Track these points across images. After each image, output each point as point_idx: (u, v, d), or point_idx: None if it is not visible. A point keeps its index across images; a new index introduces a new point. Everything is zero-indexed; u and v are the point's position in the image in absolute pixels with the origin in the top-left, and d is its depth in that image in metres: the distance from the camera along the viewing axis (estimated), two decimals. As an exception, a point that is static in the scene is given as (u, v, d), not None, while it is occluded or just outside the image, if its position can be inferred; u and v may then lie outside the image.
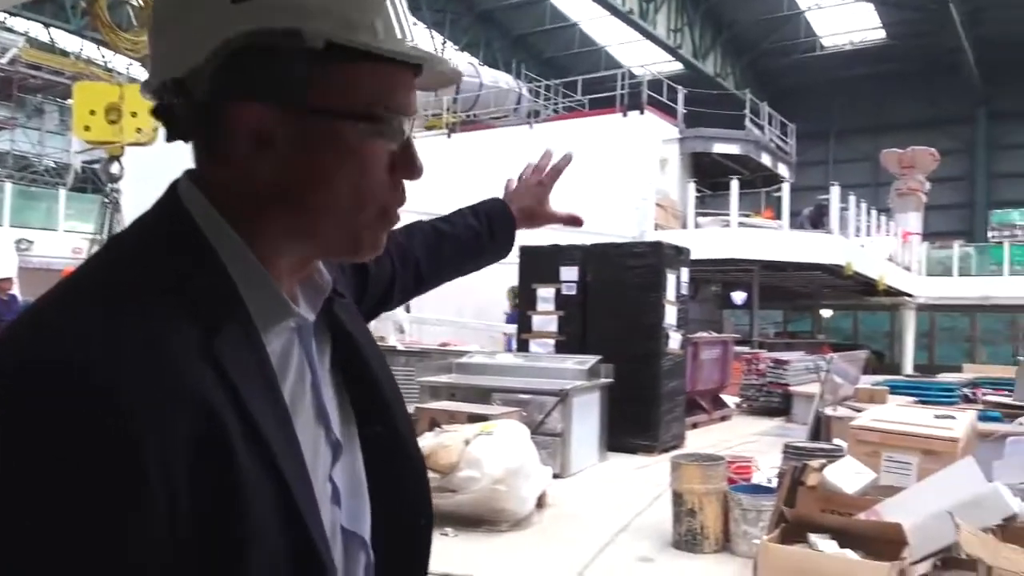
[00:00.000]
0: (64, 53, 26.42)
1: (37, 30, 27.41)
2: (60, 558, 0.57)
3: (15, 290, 9.89)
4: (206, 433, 0.63)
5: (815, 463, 3.67)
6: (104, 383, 0.59)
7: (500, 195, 1.45)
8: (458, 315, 14.90)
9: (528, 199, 1.43)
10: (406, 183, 0.79)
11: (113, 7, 11.83)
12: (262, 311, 0.73)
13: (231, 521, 0.64)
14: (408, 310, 15.25)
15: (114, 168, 11.60)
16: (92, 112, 11.00)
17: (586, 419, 7.59)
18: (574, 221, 1.45)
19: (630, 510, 6.10)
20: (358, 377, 0.87)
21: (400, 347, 9.30)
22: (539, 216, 1.44)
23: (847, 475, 3.58)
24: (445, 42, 31.61)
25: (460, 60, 29.46)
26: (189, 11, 0.72)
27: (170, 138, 0.76)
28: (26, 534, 0.57)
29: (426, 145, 19.57)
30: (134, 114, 11.08)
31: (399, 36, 0.75)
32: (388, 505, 0.86)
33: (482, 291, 13.30)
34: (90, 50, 27.17)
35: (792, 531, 3.48)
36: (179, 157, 0.78)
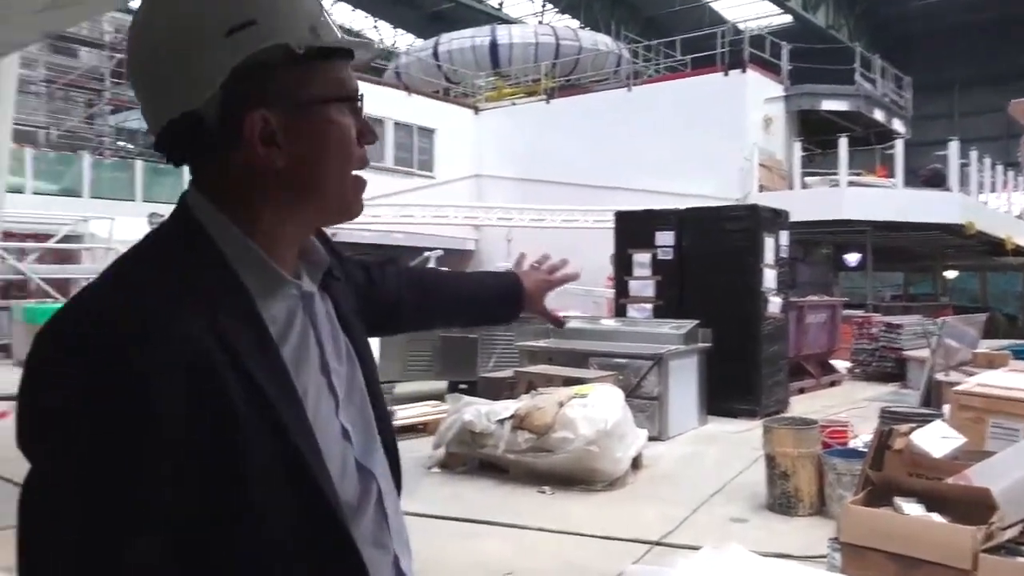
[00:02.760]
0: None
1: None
2: (93, 453, 0.74)
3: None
4: (205, 382, 0.78)
5: (903, 427, 3.64)
6: (119, 346, 0.75)
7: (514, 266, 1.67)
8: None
9: (531, 286, 1.57)
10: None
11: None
12: (262, 289, 0.89)
13: (232, 455, 0.79)
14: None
15: None
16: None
17: (684, 383, 7.64)
18: (557, 322, 1.75)
19: (727, 473, 6.15)
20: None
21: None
22: (534, 305, 1.58)
23: (935, 439, 3.54)
24: (544, 5, 31.42)
25: (559, 24, 29.28)
26: (188, 56, 0.85)
27: (176, 164, 0.92)
28: (71, 442, 0.74)
29: (525, 111, 19.70)
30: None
31: (335, 33, 0.93)
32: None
33: (587, 256, 13.40)
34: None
35: (878, 494, 3.49)
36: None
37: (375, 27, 33.89)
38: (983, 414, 4.78)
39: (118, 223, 13.90)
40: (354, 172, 0.96)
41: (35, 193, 15.64)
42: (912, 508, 3.31)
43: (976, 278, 25.40)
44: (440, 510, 5.16)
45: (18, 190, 16.22)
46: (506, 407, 6.07)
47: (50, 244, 14.33)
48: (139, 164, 17.98)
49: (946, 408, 5.59)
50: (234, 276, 0.87)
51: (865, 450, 5.16)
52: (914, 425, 3.74)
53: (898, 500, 3.38)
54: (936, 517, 3.24)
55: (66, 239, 14.54)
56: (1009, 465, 3.31)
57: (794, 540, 4.63)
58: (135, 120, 26.82)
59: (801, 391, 9.95)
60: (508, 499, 5.48)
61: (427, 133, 18.46)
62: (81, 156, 17.67)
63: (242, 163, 0.88)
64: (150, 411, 0.74)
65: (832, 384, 11.04)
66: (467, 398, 6.53)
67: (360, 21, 33.48)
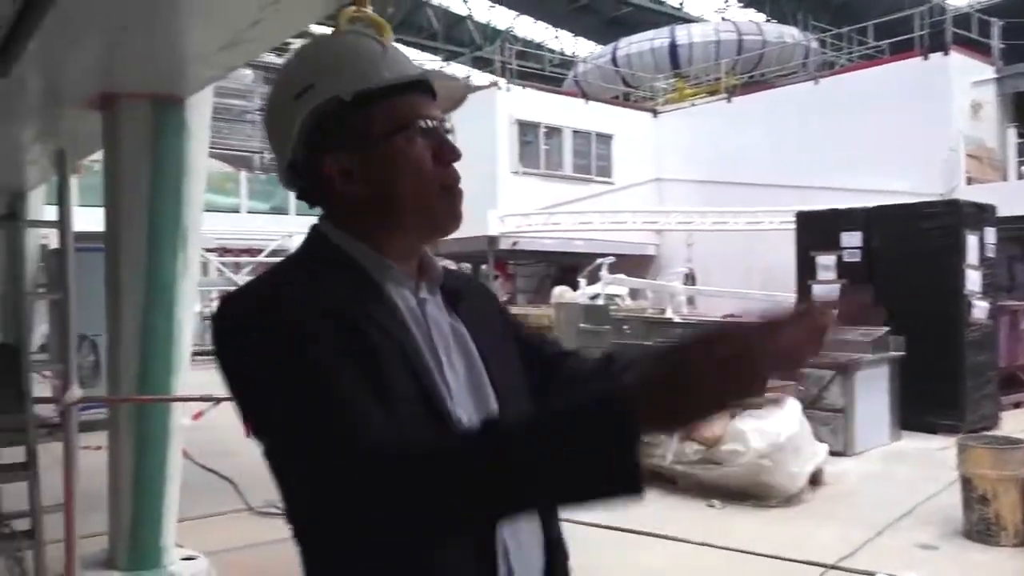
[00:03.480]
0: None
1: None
2: (285, 364, 0.92)
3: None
4: (349, 330, 0.95)
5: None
6: (274, 306, 0.96)
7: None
8: (744, 285, 14.51)
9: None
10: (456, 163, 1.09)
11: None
12: (386, 278, 1.06)
13: (373, 375, 0.94)
14: (690, 281, 15.16)
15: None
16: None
17: (872, 394, 7.11)
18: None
19: (918, 493, 5.66)
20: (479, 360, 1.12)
21: (676, 319, 9.31)
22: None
23: None
24: (727, 1, 30.48)
25: (742, 17, 28.27)
26: (280, 120, 1.08)
27: (311, 207, 1.11)
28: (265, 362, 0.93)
29: (705, 112, 19.14)
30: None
31: (404, 71, 1.07)
32: None
33: (770, 258, 12.81)
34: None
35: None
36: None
37: (556, 37, 34.35)
38: None
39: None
40: (444, 187, 1.07)
41: (249, 212, 17.19)
42: None
43: None
44: (601, 518, 5.10)
45: (234, 210, 17.96)
46: (673, 417, 5.91)
47: (260, 258, 15.70)
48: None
49: None
50: (364, 271, 1.05)
51: (1082, 475, 4.57)
52: None
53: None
54: None
55: (273, 253, 15.87)
56: None
57: (991, 574, 4.17)
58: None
59: (1017, 406, 8.96)
60: (674, 511, 5.33)
61: (605, 139, 18.39)
62: (287, 177, 19.22)
63: (337, 196, 1.06)
64: (306, 331, 0.93)
65: (1057, 398, 9.85)
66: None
67: (541, 32, 34.06)
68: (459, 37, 32.73)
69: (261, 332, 0.95)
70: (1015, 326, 9.34)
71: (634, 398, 0.79)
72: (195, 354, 4.01)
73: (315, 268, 1.03)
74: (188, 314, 3.90)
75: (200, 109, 3.93)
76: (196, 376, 3.84)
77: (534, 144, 17.40)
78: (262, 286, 1.03)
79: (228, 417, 3.42)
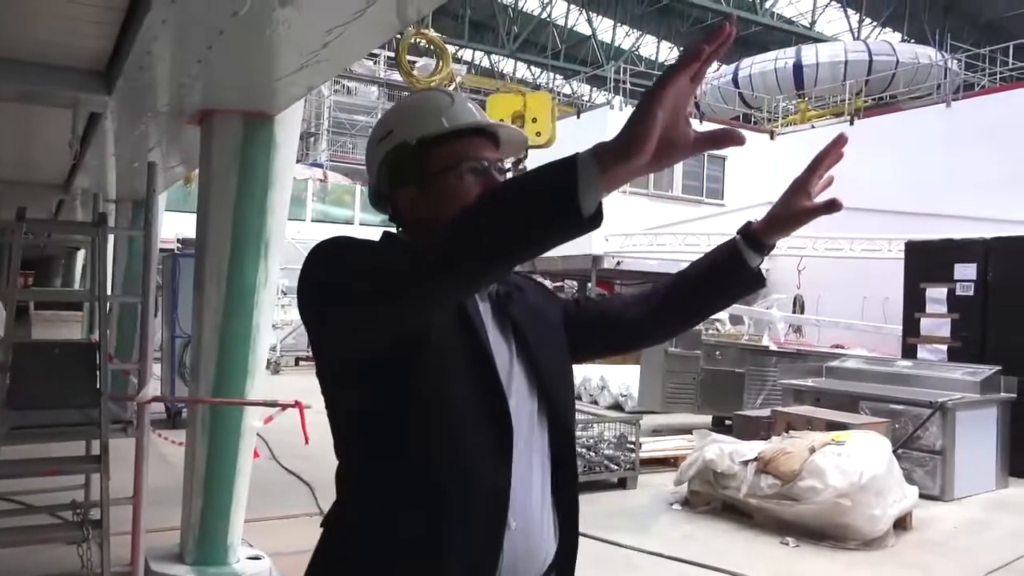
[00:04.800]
0: (501, 75, 29.96)
1: (478, 56, 31.46)
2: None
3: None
4: None
5: None
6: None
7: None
8: (857, 314, 13.88)
9: (776, 204, 1.38)
10: None
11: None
12: None
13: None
14: (798, 308, 14.62)
15: (521, 168, 12.97)
16: (500, 120, 12.46)
17: (977, 437, 6.67)
18: (831, 206, 1.32)
19: (1019, 547, 5.26)
20: (529, 358, 1.31)
21: (772, 347, 9.02)
22: (787, 215, 1.35)
23: None
24: (861, 18, 29.34)
25: (875, 37, 27.10)
26: (370, 158, 1.38)
27: (398, 228, 1.35)
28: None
29: (825, 135, 18.48)
30: (534, 120, 12.30)
31: (465, 120, 1.30)
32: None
33: (885, 287, 12.19)
34: (521, 70, 30.23)
35: None
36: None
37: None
38: None
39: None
40: None
41: (360, 224, 17.83)
42: None
43: None
44: (669, 548, 5.03)
45: (348, 221, 18.68)
46: (752, 448, 5.75)
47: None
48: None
49: None
50: None
51: None
52: None
53: None
54: None
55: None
56: None
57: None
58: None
59: None
60: (745, 546, 5.17)
61: (718, 160, 18.04)
62: (399, 190, 19.85)
63: (408, 219, 1.32)
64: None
65: None
66: (714, 435, 6.28)
67: (664, 52, 33.79)
68: (581, 56, 32.91)
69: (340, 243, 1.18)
70: None
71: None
72: (299, 359, 4.20)
73: None
74: (266, 321, 4.11)
75: (288, 125, 4.15)
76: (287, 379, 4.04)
77: (641, 164, 17.27)
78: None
79: (308, 419, 3.56)
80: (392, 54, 24.87)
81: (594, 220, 0.92)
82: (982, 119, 14.28)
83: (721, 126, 1.11)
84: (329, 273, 1.14)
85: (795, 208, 1.34)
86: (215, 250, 3.99)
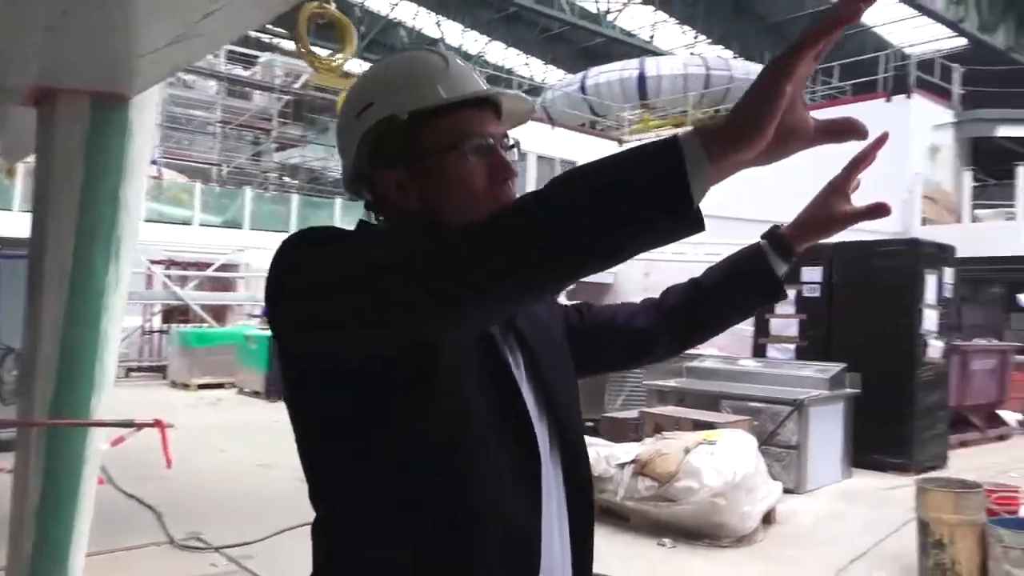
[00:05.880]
0: (347, 75, 29.25)
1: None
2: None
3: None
4: None
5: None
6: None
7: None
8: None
9: (809, 207, 1.25)
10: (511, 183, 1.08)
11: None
12: None
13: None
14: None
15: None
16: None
17: (826, 432, 7.04)
18: (878, 211, 1.13)
19: (871, 535, 5.56)
20: (538, 379, 1.12)
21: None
22: (825, 218, 1.22)
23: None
24: (697, 36, 30.89)
25: (711, 53, 28.67)
26: (345, 136, 1.13)
27: (377, 217, 1.13)
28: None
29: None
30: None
31: (464, 88, 1.07)
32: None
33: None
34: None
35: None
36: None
37: (526, 64, 34.52)
38: None
39: (271, 253, 14.69)
40: (495, 206, 1.02)
41: (201, 224, 16.79)
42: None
43: None
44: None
45: (186, 222, 17.56)
46: (627, 451, 5.77)
47: (208, 272, 15.29)
48: (295, 198, 18.99)
49: None
50: None
51: (1037, 522, 4.50)
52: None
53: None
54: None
55: (223, 268, 15.46)
56: None
57: (946, 622, 4.07)
58: (296, 157, 28.56)
59: (962, 444, 8.99)
60: (624, 549, 5.16)
61: (569, 166, 18.39)
62: (244, 190, 18.84)
63: (393, 210, 1.10)
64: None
65: (1000, 438, 9.92)
66: (588, 439, 6.26)
67: (512, 59, 34.21)
68: (430, 60, 32.66)
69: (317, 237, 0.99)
70: (965, 366, 9.40)
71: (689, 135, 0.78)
72: (130, 370, 3.77)
73: None
74: (116, 328, 3.64)
75: (144, 109, 3.70)
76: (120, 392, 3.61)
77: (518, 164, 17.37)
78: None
79: (154, 441, 3.17)
80: (238, 48, 23.74)
81: (700, 221, 0.77)
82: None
83: (844, 116, 0.90)
84: (308, 279, 0.93)
85: (835, 212, 1.20)
86: (57, 250, 3.48)
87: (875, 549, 5.30)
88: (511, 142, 1.11)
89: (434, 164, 1.05)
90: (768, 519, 5.67)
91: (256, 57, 25.43)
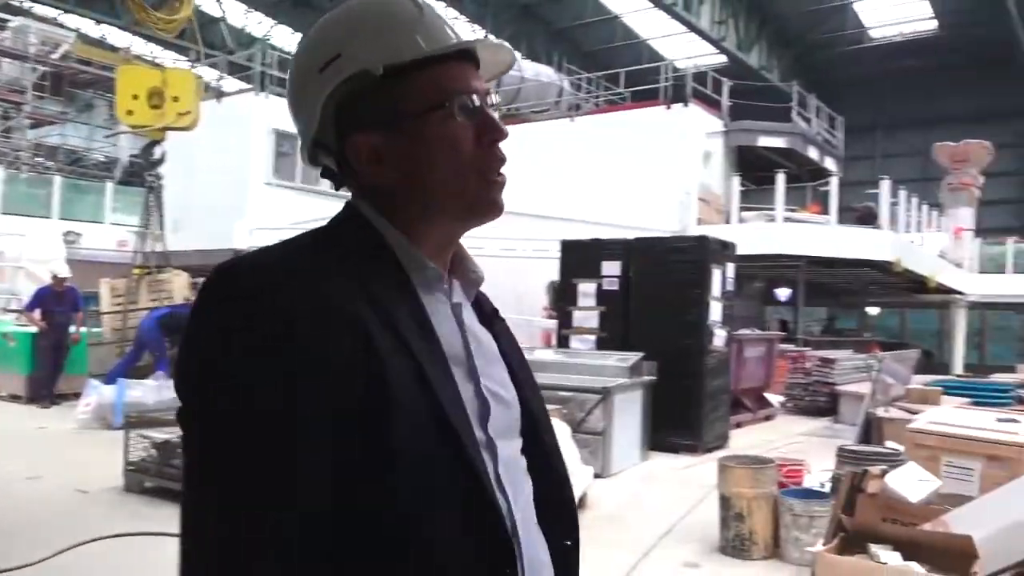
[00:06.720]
0: (114, 49, 26.81)
1: (88, 26, 27.93)
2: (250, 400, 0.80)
3: (70, 281, 10.43)
4: (355, 337, 0.82)
5: (876, 469, 3.47)
6: (283, 291, 0.83)
7: None
8: (515, 311, 14.80)
9: None
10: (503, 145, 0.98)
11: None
12: (423, 281, 0.95)
13: (381, 419, 0.82)
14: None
15: (155, 153, 11.66)
16: (135, 96, 11.05)
17: (628, 417, 7.43)
18: None
19: (674, 513, 5.93)
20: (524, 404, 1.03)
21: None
22: None
23: (911, 482, 3.38)
24: (487, 36, 31.53)
25: (500, 54, 29.34)
26: (303, 93, 0.98)
27: (337, 189, 1.01)
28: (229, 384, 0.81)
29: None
30: (176, 98, 11.11)
31: (443, 38, 0.96)
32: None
33: (520, 285, 13.15)
34: (139, 46, 27.48)
35: (851, 541, 3.30)
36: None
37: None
38: (937, 452, 4.69)
39: (30, 241, 13.13)
40: (483, 172, 0.96)
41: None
42: (889, 556, 3.13)
43: (897, 315, 26.14)
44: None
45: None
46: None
47: None
48: (58, 180, 17.15)
49: (890, 444, 5.52)
50: (391, 253, 0.94)
51: (822, 490, 5.02)
52: (885, 467, 3.57)
53: (873, 548, 3.20)
54: (915, 567, 3.06)
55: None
56: (988, 511, 3.16)
57: (751, 587, 4.42)
58: (55, 135, 25.82)
59: (738, 425, 9.88)
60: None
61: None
62: (-6, 169, 16.75)
63: (364, 180, 0.96)
64: (307, 358, 0.80)
65: (767, 418, 11.02)
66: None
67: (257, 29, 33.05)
68: (210, 39, 30.78)
69: (247, 348, 0.81)
70: (740, 354, 10.32)
71: None
72: None
73: (343, 254, 0.90)
74: None
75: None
76: None
77: (292, 156, 16.66)
78: (273, 273, 0.86)
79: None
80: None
81: None
82: (601, 135, 16.10)
83: None
84: (212, 427, 0.82)
85: None
86: None
87: (679, 525, 5.65)
88: (495, 99, 1.00)
89: (416, 126, 0.94)
90: (581, 504, 5.87)
91: (6, 21, 22.66)
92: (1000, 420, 5.12)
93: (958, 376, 13.66)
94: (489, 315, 1.06)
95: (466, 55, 0.98)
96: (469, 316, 1.00)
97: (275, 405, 0.79)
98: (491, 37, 29.70)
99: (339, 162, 0.98)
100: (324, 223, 0.97)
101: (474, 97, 0.96)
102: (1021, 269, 21.45)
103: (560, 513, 1.05)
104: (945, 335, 22.40)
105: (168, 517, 5.21)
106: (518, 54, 30.33)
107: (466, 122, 0.95)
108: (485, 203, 0.97)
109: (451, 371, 0.90)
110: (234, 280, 0.85)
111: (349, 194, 1.01)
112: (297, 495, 0.79)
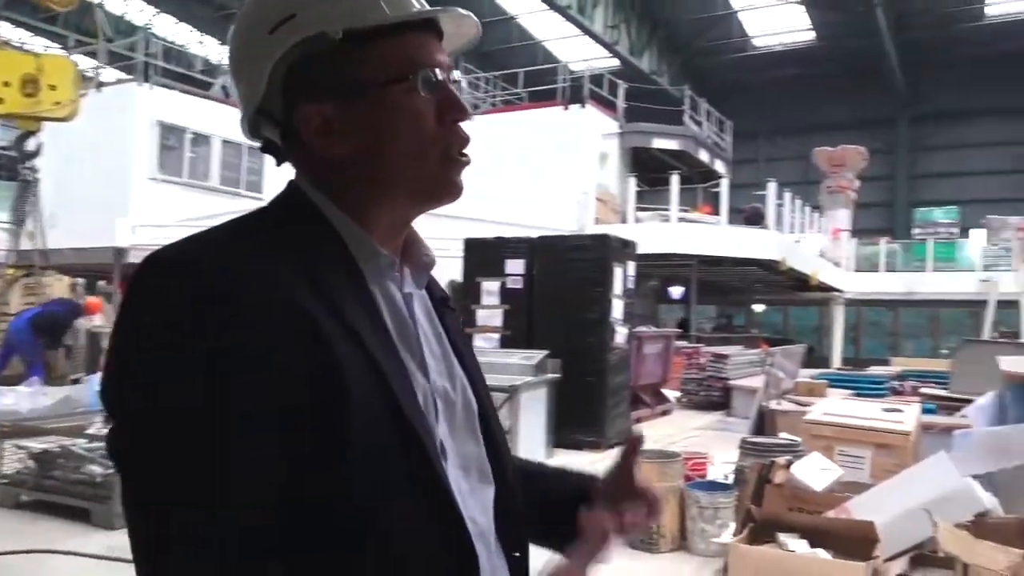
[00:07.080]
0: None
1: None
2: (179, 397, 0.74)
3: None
4: (299, 327, 0.77)
5: (782, 460, 3.58)
6: (212, 280, 0.77)
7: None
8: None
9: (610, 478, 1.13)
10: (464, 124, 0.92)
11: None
12: (370, 265, 0.89)
13: (333, 411, 0.77)
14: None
15: (30, 144, 10.93)
16: (6, 83, 10.34)
17: (533, 415, 7.45)
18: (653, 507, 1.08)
19: (581, 508, 5.97)
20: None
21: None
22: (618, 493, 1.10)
23: (814, 472, 3.51)
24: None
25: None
26: (249, 56, 0.90)
27: (279, 163, 0.94)
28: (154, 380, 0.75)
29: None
30: (53, 87, 10.46)
31: (407, 4, 0.90)
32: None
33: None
34: (7, 30, 25.76)
35: (760, 530, 3.39)
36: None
37: (201, 43, 32.23)
38: (833, 442, 4.89)
39: None
40: (446, 151, 0.90)
41: None
42: (796, 544, 3.23)
43: (780, 312, 27.41)
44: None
45: None
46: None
47: None
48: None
49: (784, 436, 5.74)
50: (338, 238, 0.88)
51: (726, 482, 5.16)
52: (790, 458, 3.69)
53: (782, 536, 3.29)
54: (821, 553, 3.17)
55: None
56: (886, 498, 3.31)
57: (661, 579, 4.49)
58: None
59: (638, 420, 10.06)
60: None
61: (257, 152, 17.46)
62: None
63: (311, 153, 0.88)
64: (242, 352, 0.75)
65: (664, 413, 11.28)
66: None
67: (185, 35, 31.71)
68: (87, 27, 29.17)
69: (182, 342, 0.75)
70: (639, 351, 10.53)
71: None
72: None
73: (284, 239, 0.84)
74: None
75: None
76: None
77: (178, 150, 15.94)
78: (212, 260, 0.80)
79: None
80: None
81: None
82: (499, 133, 16.10)
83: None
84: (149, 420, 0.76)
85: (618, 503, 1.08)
86: None
87: (587, 520, 5.69)
88: (456, 75, 0.94)
89: (375, 98, 0.87)
90: (489, 502, 5.85)
91: None
92: (886, 410, 5.41)
93: (838, 369, 14.42)
94: (439, 302, 1.01)
95: (429, 25, 0.92)
96: (419, 306, 0.95)
97: (197, 402, 0.74)
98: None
99: (284, 134, 0.90)
100: (239, 214, 0.90)
101: (437, 71, 0.90)
102: (892, 268, 22.88)
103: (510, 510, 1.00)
104: (825, 331, 23.64)
105: (47, 532, 4.88)
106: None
107: (428, 97, 0.89)
108: (445, 183, 0.92)
109: (404, 362, 0.86)
110: (161, 269, 0.79)
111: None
112: (231, 494, 0.74)
